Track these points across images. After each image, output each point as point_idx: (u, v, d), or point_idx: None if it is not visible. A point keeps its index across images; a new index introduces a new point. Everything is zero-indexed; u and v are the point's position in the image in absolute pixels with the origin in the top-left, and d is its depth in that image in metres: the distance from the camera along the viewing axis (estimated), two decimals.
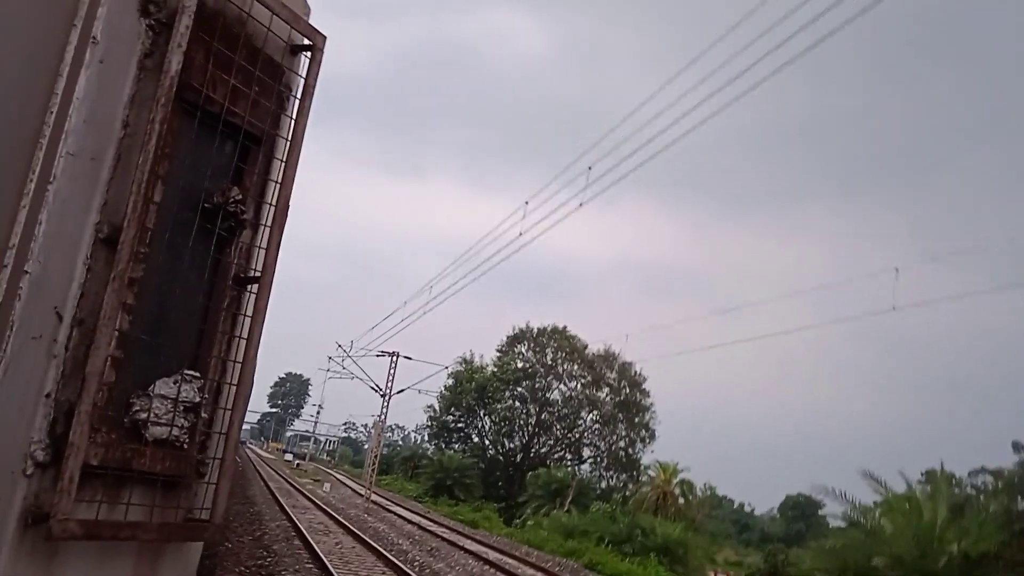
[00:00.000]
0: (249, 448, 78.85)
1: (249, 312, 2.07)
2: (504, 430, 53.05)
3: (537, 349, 53.36)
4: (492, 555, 21.39)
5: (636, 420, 50.83)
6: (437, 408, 55.57)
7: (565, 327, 52.75)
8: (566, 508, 38.98)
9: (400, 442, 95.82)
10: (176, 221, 1.88)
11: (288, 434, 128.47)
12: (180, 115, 1.85)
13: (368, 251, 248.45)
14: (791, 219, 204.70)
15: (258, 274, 2.08)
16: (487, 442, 54.63)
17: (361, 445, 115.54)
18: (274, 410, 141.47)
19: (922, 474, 23.22)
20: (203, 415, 1.95)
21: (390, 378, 38.70)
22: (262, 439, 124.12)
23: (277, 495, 29.44)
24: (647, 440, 50.53)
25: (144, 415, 1.80)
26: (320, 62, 2.17)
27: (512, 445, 53.35)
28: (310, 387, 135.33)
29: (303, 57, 2.18)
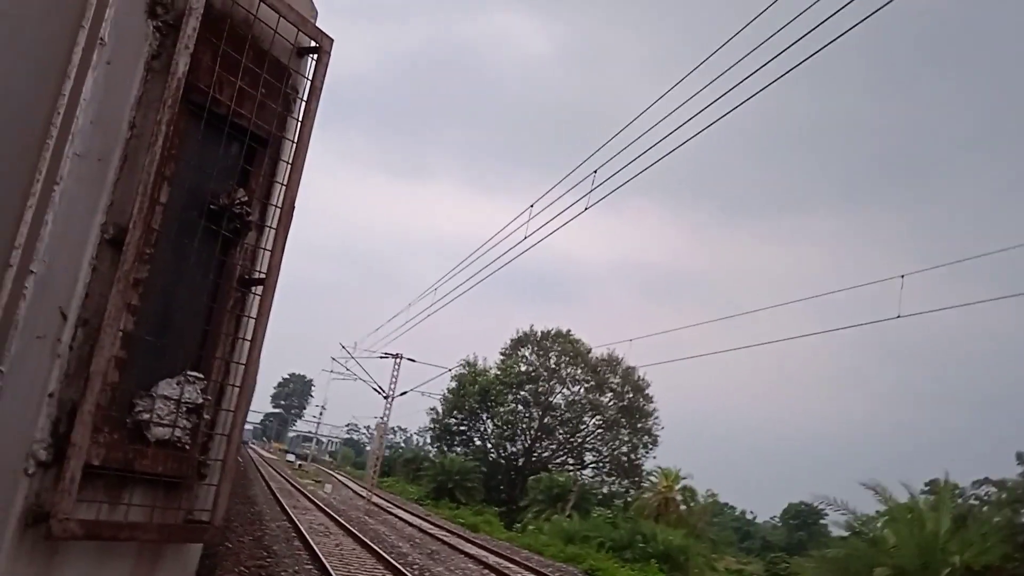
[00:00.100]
0: (251, 448, 78.86)
1: (253, 314, 2.07)
2: (507, 434, 52.89)
3: (541, 353, 53.21)
4: (492, 559, 21.32)
5: (639, 425, 50.63)
6: (440, 411, 55.51)
7: (569, 331, 52.69)
8: (567, 513, 38.89)
9: (402, 444, 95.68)
10: (182, 222, 1.88)
11: (291, 435, 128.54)
12: (187, 117, 1.85)
13: (369, 251, 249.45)
14: (793, 223, 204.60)
15: (263, 276, 2.08)
16: (489, 445, 54.49)
17: (363, 447, 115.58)
18: (277, 410, 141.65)
19: (925, 484, 23.17)
20: (205, 416, 1.95)
21: (393, 380, 38.79)
22: (264, 439, 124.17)
23: (278, 495, 29.43)
24: (649, 446, 50.34)
25: (147, 416, 1.80)
26: (327, 65, 2.18)
27: (514, 449, 53.20)
28: (313, 388, 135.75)
29: (310, 59, 2.18)
